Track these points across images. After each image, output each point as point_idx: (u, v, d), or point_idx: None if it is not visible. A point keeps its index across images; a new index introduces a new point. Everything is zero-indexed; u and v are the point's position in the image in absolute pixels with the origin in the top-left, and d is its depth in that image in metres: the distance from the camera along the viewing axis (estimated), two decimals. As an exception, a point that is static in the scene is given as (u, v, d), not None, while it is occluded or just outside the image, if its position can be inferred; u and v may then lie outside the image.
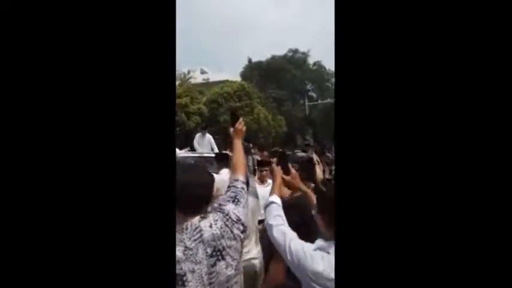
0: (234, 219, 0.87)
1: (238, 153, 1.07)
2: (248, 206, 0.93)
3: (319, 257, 0.81)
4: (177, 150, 6.47)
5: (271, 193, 1.12)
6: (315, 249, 0.85)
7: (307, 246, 0.87)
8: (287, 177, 1.24)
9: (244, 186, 0.97)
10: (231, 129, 1.13)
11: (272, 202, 1.06)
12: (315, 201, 1.09)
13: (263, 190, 2.05)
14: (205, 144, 6.11)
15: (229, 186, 0.97)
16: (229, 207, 0.89)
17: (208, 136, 6.42)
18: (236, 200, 0.91)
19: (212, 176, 0.97)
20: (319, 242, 0.87)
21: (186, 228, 0.81)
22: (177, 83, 14.14)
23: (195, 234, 0.80)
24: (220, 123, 12.70)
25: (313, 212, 1.01)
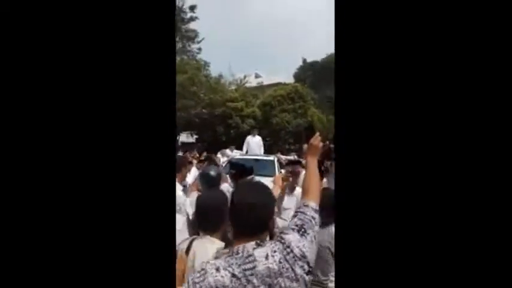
0: (298, 255, 0.69)
1: (312, 173, 0.90)
2: (316, 241, 0.75)
3: None
4: (229, 152, 6.84)
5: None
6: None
7: None
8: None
9: (316, 215, 0.79)
10: (305, 146, 0.99)
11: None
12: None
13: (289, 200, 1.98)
14: (254, 147, 6.29)
15: (296, 212, 0.81)
16: (293, 237, 0.72)
17: (258, 138, 6.59)
18: (303, 231, 0.73)
19: (273, 196, 0.87)
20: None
21: (237, 253, 0.69)
22: (233, 87, 14.92)
23: (246, 263, 0.67)
24: (273, 125, 12.88)
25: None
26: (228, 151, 6.94)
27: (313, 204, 0.81)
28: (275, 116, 13.16)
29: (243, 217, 0.73)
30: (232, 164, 2.43)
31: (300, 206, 0.82)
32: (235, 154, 6.34)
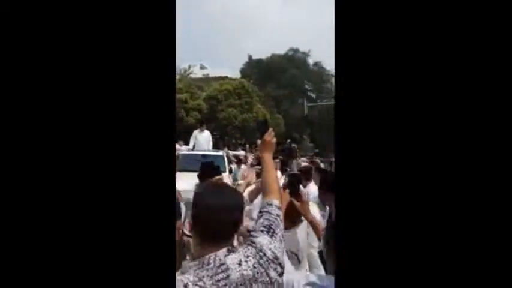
0: (271, 258, 0.68)
1: (270, 170, 0.88)
2: (283, 239, 0.74)
3: None
4: (178, 146, 6.48)
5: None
6: (306, 285, 0.77)
7: (300, 280, 0.78)
8: (297, 204, 1.08)
9: (280, 213, 0.78)
10: (258, 141, 0.94)
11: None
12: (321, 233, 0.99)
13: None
14: (203, 141, 5.95)
15: (261, 212, 0.78)
16: (263, 240, 0.70)
17: (207, 132, 6.27)
18: (272, 231, 0.72)
19: (242, 196, 0.85)
20: (312, 278, 0.79)
21: (208, 264, 0.63)
22: (177, 77, 14.11)
23: (219, 273, 0.62)
24: (219, 119, 12.76)
25: (321, 243, 0.90)
26: (177, 146, 6.58)
27: (276, 202, 0.80)
28: (222, 110, 13.04)
29: (211, 222, 0.67)
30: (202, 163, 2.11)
31: (263, 205, 0.80)
32: (183, 149, 6.04)
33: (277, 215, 0.77)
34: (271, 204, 0.79)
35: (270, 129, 0.94)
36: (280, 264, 0.70)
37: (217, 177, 1.75)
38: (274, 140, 0.93)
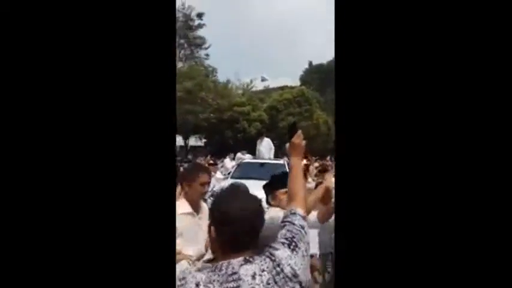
0: (289, 275, 0.62)
1: (297, 176, 0.81)
2: (308, 253, 0.68)
3: None
4: (240, 155, 6.96)
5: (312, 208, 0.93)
6: None
7: None
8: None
9: (305, 223, 0.72)
10: (287, 145, 0.87)
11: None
12: None
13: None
14: (263, 150, 6.07)
15: (284, 221, 0.72)
16: (283, 254, 0.64)
17: (267, 140, 6.27)
18: (294, 245, 0.66)
19: (261, 202, 0.76)
20: None
21: (220, 269, 0.61)
22: (240, 92, 15.22)
23: (229, 281, 0.59)
24: (280, 129, 13.10)
25: None
26: (240, 155, 6.90)
27: (301, 211, 0.73)
28: (282, 119, 13.39)
29: (229, 231, 0.64)
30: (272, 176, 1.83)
31: (286, 214, 0.74)
32: (246, 158, 6.28)
33: (301, 226, 0.70)
34: (294, 213, 0.73)
35: (299, 132, 0.88)
36: (299, 282, 0.63)
37: (283, 190, 1.42)
38: (304, 142, 0.87)
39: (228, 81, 15.22)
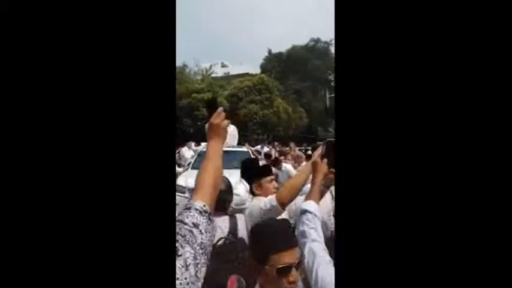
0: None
1: (212, 161, 0.70)
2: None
3: None
4: (194, 145, 6.54)
5: (308, 197, 0.91)
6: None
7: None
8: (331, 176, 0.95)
9: (201, 219, 0.59)
10: (206, 125, 0.76)
11: (307, 211, 0.86)
12: None
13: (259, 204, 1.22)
14: (229, 138, 5.96)
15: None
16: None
17: (233, 127, 6.12)
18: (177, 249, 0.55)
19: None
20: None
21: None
22: (199, 78, 14.55)
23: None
24: (240, 116, 12.97)
25: None
26: (192, 144, 6.52)
27: (199, 204, 0.61)
28: (243, 107, 13.24)
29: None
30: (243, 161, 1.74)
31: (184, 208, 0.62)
32: (202, 148, 6.13)
33: (194, 224, 0.58)
34: (189, 208, 0.60)
35: (219, 109, 0.74)
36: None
37: (269, 178, 1.38)
38: (225, 123, 0.74)
39: (185, 66, 14.37)
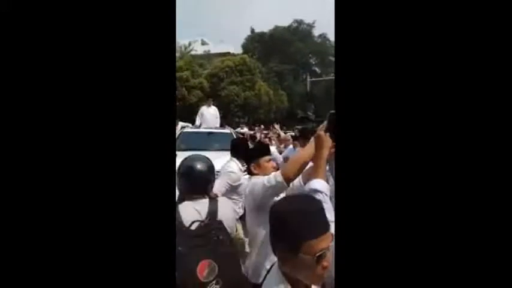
0: None
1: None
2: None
3: None
4: (180, 123, 6.28)
5: (314, 175, 0.89)
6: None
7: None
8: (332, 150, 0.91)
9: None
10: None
11: (317, 190, 0.83)
12: None
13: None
14: (210, 118, 5.49)
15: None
16: None
17: (214, 108, 5.70)
18: None
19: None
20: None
21: None
22: (177, 55, 13.83)
23: None
24: (221, 97, 12.66)
25: None
26: (180, 123, 6.10)
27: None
28: (223, 88, 12.91)
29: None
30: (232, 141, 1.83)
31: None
32: (189, 127, 5.66)
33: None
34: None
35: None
36: None
37: (267, 157, 1.39)
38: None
39: (163, 42, 13.51)
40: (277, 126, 4.44)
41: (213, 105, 5.92)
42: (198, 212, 1.11)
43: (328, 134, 0.91)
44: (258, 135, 5.45)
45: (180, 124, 5.97)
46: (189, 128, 5.50)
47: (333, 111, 0.95)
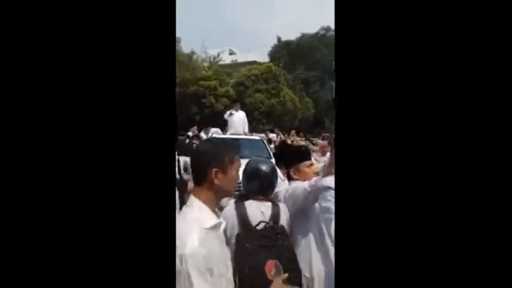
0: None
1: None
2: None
3: None
4: (212, 129, 6.31)
5: (328, 173, 0.91)
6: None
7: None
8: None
9: None
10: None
11: (329, 188, 0.86)
12: None
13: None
14: (237, 122, 5.27)
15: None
16: None
17: (242, 113, 5.44)
18: None
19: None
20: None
21: None
22: (206, 65, 14.49)
23: None
24: (246, 105, 12.94)
25: None
26: (211, 130, 6.15)
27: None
28: (249, 96, 13.21)
29: None
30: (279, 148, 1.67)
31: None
32: (214, 132, 5.60)
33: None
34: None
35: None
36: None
37: (308, 162, 1.33)
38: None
39: (193, 53, 14.29)
40: (292, 132, 4.48)
41: (239, 110, 5.65)
42: (262, 213, 1.13)
43: None
44: (289, 140, 5.23)
45: (211, 130, 6.12)
46: (215, 134, 5.42)
47: None
